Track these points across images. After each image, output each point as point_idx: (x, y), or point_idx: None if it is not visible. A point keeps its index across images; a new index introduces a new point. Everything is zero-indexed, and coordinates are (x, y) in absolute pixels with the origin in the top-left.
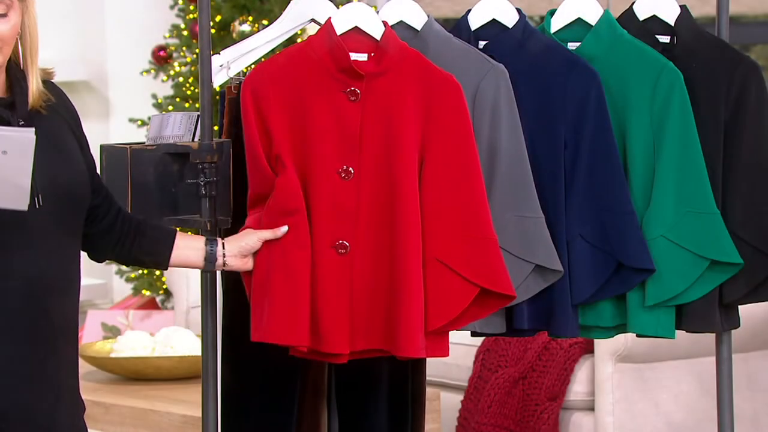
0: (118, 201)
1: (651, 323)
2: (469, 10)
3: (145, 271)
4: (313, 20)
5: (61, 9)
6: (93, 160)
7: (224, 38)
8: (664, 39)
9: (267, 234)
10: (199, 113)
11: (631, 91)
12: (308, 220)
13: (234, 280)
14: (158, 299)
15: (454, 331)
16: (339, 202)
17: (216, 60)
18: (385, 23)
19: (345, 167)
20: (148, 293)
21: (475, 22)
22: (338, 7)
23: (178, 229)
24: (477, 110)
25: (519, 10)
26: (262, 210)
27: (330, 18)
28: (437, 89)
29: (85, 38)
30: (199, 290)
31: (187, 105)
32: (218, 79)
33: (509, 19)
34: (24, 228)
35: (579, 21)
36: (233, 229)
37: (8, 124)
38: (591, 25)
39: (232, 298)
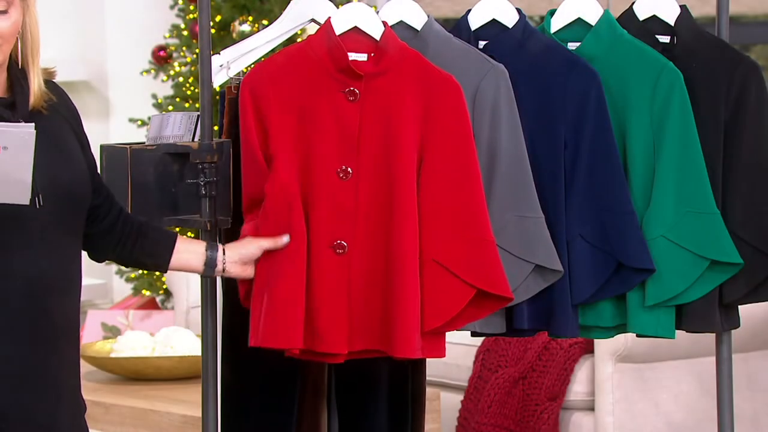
0: (118, 201)
1: (651, 323)
2: (469, 10)
3: (145, 272)
4: (313, 20)
5: (61, 9)
6: (94, 160)
7: (224, 38)
8: (664, 39)
9: (268, 243)
10: (199, 113)
11: (631, 91)
12: (306, 220)
13: (234, 280)
14: (158, 299)
15: (454, 331)
16: (337, 202)
17: (216, 60)
18: (384, 23)
19: (343, 167)
20: (148, 293)
21: (475, 22)
22: (338, 7)
23: (177, 229)
24: (477, 110)
25: (519, 10)
26: (258, 215)
27: (329, 18)
28: (437, 90)
29: (85, 38)
30: (199, 290)
31: (187, 105)
32: (218, 79)
33: (509, 19)
34: (24, 228)
35: (579, 21)
36: (233, 229)
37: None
38: (591, 25)
39: (232, 299)
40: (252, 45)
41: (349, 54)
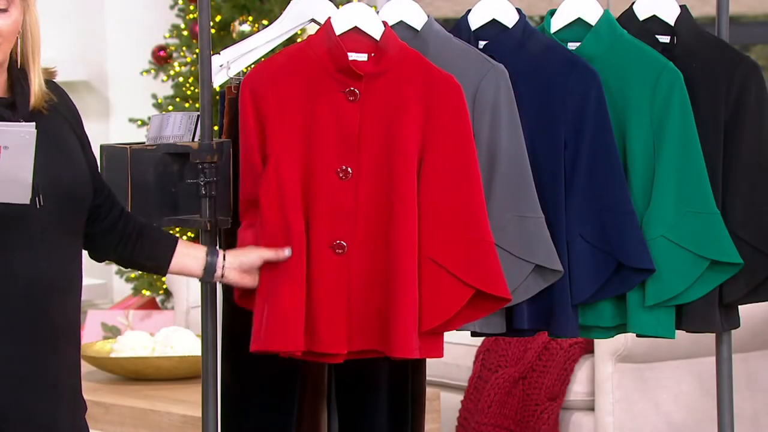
0: (120, 201)
1: (651, 323)
2: (469, 10)
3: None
4: (313, 20)
5: (61, 9)
6: (95, 160)
7: (224, 38)
8: (664, 39)
9: (269, 254)
10: (199, 113)
11: (631, 91)
12: (306, 220)
13: None
14: (158, 299)
15: (455, 331)
16: (337, 202)
17: (216, 60)
18: (385, 23)
19: (343, 167)
20: (148, 293)
21: (475, 22)
22: (338, 7)
23: (178, 229)
24: (477, 110)
25: (519, 10)
26: (254, 217)
27: (329, 18)
28: (437, 90)
29: (85, 38)
30: (199, 290)
31: (187, 105)
32: (218, 79)
33: (509, 19)
34: (25, 228)
35: (579, 21)
36: (233, 229)
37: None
38: (591, 25)
39: (232, 299)
40: (252, 45)
41: (349, 54)
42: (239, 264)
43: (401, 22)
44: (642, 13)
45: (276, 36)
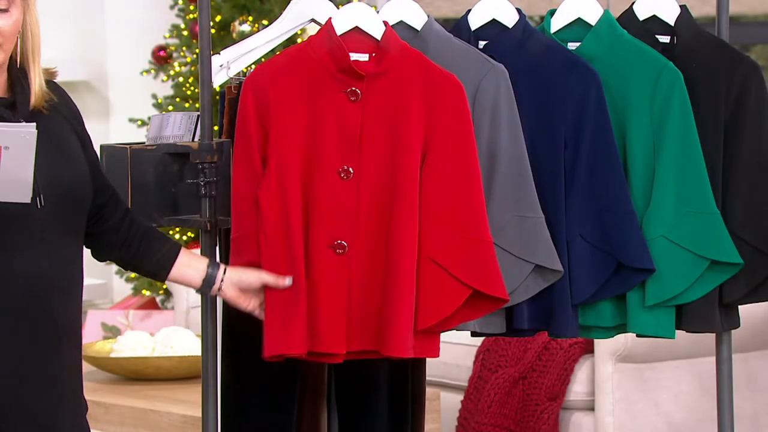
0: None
1: (651, 323)
2: (469, 10)
3: None
4: (313, 20)
5: (61, 9)
6: (96, 160)
7: (224, 38)
8: (664, 39)
9: (270, 279)
10: (199, 113)
11: (631, 91)
12: (306, 220)
13: None
14: (158, 299)
15: (455, 331)
16: (338, 202)
17: (216, 60)
18: (385, 23)
19: (345, 167)
20: (148, 293)
21: (475, 22)
22: (338, 7)
23: (178, 229)
24: (477, 110)
25: (519, 10)
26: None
27: (330, 18)
28: (439, 89)
29: (85, 38)
30: None
31: (187, 105)
32: (218, 79)
33: (509, 19)
34: (26, 228)
35: (579, 21)
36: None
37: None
38: (591, 25)
39: None
40: (252, 45)
41: (351, 54)
42: (237, 280)
43: (401, 22)
44: (642, 13)
45: (276, 36)
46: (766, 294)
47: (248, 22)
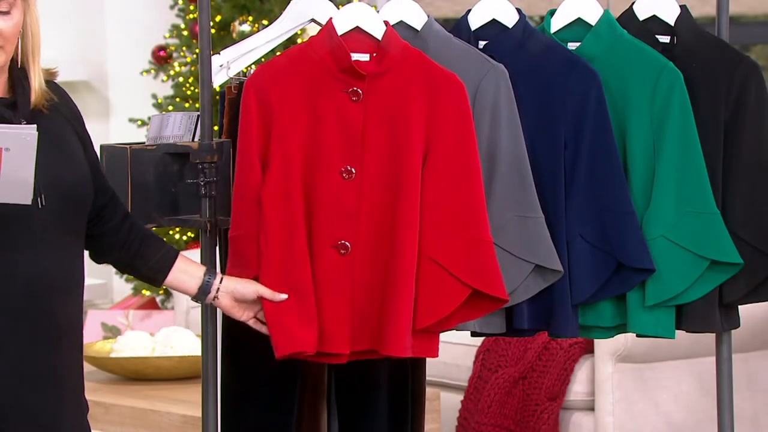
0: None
1: (651, 323)
2: (469, 10)
3: None
4: (313, 20)
5: (61, 9)
6: (97, 161)
7: (224, 38)
8: (664, 39)
9: (265, 293)
10: (199, 113)
11: (631, 91)
12: (309, 221)
13: None
14: (158, 299)
15: (455, 331)
16: (340, 203)
17: (216, 60)
18: (386, 23)
19: (347, 167)
20: (148, 293)
21: (475, 22)
22: (338, 7)
23: (178, 230)
24: (477, 110)
25: (519, 10)
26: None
27: (331, 18)
28: (440, 88)
29: (85, 38)
30: None
31: (187, 105)
32: (218, 79)
33: (509, 19)
34: (26, 228)
35: (579, 21)
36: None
37: (10, 123)
38: (591, 25)
39: None
40: (252, 45)
41: (352, 54)
42: (233, 289)
43: (401, 22)
44: (642, 13)
45: (276, 36)
46: (766, 294)
47: (248, 22)
